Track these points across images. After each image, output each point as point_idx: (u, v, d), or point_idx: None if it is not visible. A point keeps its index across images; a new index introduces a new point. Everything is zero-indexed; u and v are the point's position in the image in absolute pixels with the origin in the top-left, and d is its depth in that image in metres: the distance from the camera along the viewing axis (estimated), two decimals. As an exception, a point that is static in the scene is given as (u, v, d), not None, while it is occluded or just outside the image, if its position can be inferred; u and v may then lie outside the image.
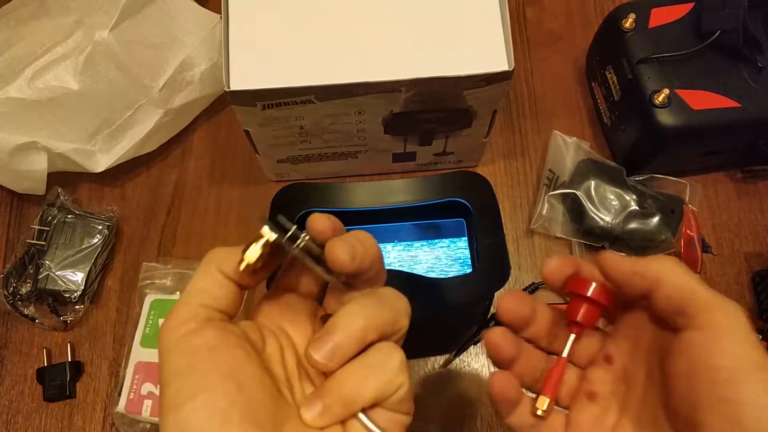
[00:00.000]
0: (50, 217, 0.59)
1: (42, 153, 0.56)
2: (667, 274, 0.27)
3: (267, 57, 0.47)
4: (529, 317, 0.32)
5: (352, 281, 0.30)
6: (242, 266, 0.27)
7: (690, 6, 0.56)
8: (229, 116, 0.65)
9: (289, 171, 0.61)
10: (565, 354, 0.32)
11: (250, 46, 0.47)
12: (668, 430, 0.28)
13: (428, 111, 0.51)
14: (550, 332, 0.32)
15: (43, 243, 0.58)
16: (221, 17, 0.48)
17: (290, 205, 0.46)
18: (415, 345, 0.34)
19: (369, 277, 0.30)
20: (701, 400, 0.25)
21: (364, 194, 0.47)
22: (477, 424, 0.54)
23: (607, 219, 0.57)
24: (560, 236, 0.59)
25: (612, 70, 0.59)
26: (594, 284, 0.30)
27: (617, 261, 0.29)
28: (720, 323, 0.26)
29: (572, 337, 0.32)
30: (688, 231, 0.57)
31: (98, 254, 0.58)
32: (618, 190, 0.58)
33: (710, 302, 0.26)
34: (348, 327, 0.27)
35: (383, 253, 0.49)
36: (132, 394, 0.53)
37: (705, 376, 0.26)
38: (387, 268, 0.45)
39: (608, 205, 0.57)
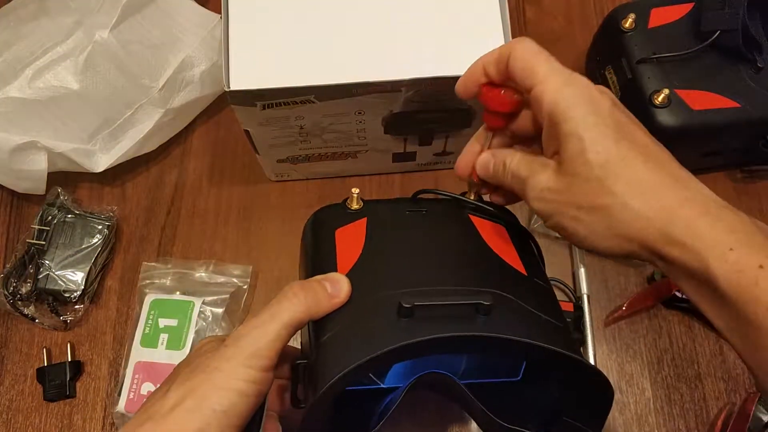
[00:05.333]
0: (50, 217, 0.59)
1: (42, 153, 0.56)
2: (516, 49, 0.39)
3: (267, 57, 0.47)
4: None
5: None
6: None
7: (690, 6, 0.56)
8: (229, 116, 0.65)
9: (289, 171, 0.61)
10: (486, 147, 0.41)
11: (250, 46, 0.47)
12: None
13: (428, 111, 0.51)
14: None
15: (43, 243, 0.58)
16: (221, 17, 0.48)
17: (324, 225, 0.43)
18: None
19: None
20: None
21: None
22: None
23: (607, 219, 0.57)
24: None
25: (612, 70, 0.59)
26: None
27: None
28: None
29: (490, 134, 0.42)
30: (688, 231, 0.57)
31: (98, 254, 0.58)
32: (618, 190, 0.58)
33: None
34: None
35: None
36: (132, 393, 0.53)
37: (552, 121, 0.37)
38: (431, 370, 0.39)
39: (608, 205, 0.57)
